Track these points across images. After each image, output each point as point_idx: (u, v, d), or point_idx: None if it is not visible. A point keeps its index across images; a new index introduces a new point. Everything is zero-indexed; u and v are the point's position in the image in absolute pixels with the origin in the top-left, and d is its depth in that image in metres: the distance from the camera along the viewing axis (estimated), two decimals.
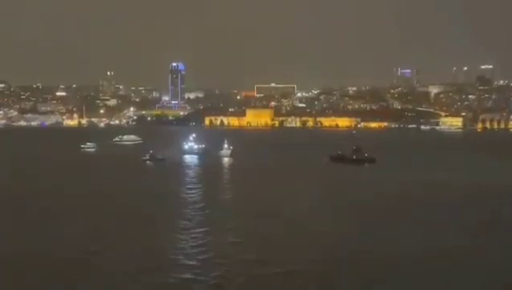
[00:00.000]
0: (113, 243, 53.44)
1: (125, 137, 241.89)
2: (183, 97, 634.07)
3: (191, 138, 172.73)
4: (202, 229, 60.38)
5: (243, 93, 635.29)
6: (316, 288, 41.23)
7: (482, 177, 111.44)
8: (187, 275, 43.87)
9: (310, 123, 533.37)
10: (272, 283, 42.30)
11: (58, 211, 72.12)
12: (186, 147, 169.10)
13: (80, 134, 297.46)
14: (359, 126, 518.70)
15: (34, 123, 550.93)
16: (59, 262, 47.06)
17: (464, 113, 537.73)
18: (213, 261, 47.69)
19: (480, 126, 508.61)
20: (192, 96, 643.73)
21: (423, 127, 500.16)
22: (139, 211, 71.78)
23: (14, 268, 45.36)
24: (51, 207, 75.11)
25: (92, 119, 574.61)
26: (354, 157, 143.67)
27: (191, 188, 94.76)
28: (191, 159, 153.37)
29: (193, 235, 57.39)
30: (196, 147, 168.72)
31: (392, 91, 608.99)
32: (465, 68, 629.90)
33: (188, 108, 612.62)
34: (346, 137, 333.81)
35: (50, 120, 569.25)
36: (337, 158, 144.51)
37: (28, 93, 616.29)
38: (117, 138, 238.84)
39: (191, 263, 47.30)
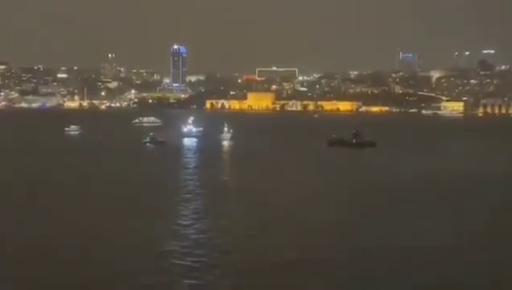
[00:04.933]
0: (109, 233, 52.62)
1: (144, 119, 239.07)
2: (185, 80, 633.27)
3: (190, 121, 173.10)
4: (200, 216, 59.97)
5: (244, 77, 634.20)
6: (317, 280, 40.97)
7: (482, 164, 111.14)
8: (188, 264, 43.32)
9: (311, 107, 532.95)
10: (272, 274, 41.84)
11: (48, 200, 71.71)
12: (185, 129, 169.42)
13: (89, 116, 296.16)
14: (360, 110, 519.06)
15: (35, 105, 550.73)
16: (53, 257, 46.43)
17: (465, 98, 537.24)
18: (213, 249, 47.13)
19: (481, 110, 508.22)
20: (193, 79, 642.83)
21: (424, 112, 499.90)
22: (137, 198, 71.21)
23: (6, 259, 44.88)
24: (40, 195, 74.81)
25: (94, 101, 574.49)
26: (354, 141, 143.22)
27: (188, 173, 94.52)
28: (190, 142, 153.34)
29: (190, 222, 56.87)
30: (194, 130, 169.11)
31: (394, 75, 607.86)
32: (467, 53, 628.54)
33: (189, 91, 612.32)
34: (308, 120, 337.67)
35: (51, 102, 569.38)
36: (335, 142, 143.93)
37: (29, 75, 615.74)
38: (136, 120, 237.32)
39: (190, 251, 46.80)
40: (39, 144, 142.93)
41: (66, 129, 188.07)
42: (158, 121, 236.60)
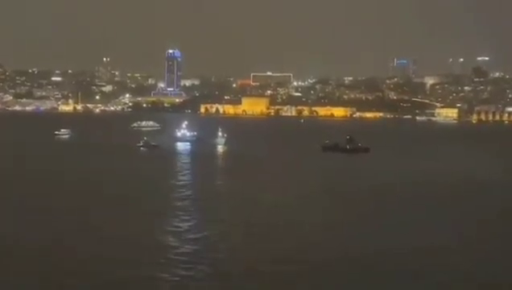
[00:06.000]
0: (104, 236, 52.42)
1: (143, 123, 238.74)
2: (179, 85, 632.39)
3: (183, 125, 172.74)
4: (193, 221, 59.73)
5: (239, 81, 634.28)
6: (308, 282, 41.01)
7: (474, 170, 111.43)
8: (182, 265, 43.36)
9: (305, 112, 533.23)
10: (265, 277, 41.77)
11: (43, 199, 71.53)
12: (179, 134, 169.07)
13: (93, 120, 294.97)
14: (354, 115, 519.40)
15: (29, 108, 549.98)
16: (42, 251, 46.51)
17: (459, 105, 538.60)
18: (205, 252, 47.14)
19: (475, 117, 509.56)
20: (187, 83, 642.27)
21: (418, 118, 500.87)
22: (130, 200, 71.08)
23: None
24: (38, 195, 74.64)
25: (88, 105, 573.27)
26: (348, 147, 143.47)
27: (181, 178, 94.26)
28: (184, 146, 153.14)
29: (183, 226, 56.68)
30: (188, 134, 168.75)
31: (388, 81, 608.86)
32: (461, 60, 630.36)
33: (184, 95, 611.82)
34: (295, 124, 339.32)
35: (45, 105, 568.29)
36: (329, 147, 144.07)
37: (24, 78, 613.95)
38: (135, 124, 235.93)
39: (183, 251, 46.86)
40: (28, 148, 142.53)
41: (56, 132, 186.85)
42: (157, 125, 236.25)
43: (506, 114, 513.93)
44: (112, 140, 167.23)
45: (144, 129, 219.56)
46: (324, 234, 54.86)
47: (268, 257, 45.83)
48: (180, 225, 56.75)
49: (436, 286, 40.53)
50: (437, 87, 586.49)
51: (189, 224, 57.26)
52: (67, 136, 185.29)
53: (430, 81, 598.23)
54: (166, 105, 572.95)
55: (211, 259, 44.88)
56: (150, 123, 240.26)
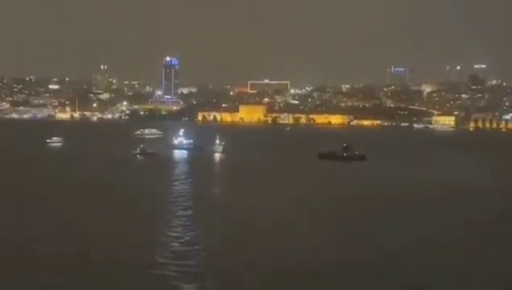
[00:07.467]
0: (101, 240, 52.26)
1: (146, 131, 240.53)
2: (177, 92, 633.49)
3: (180, 133, 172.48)
4: (189, 229, 59.46)
5: (236, 89, 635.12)
6: (309, 284, 41.07)
7: (469, 177, 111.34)
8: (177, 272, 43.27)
9: (303, 120, 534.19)
10: (266, 281, 41.74)
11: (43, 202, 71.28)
12: (176, 141, 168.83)
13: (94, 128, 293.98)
14: (352, 123, 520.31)
15: (26, 116, 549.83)
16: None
17: (456, 113, 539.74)
18: (201, 261, 46.90)
19: (472, 125, 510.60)
20: (185, 91, 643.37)
21: (415, 126, 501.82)
22: (127, 207, 70.84)
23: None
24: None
25: (85, 113, 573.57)
26: (344, 154, 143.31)
27: (177, 185, 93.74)
28: (180, 154, 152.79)
29: (181, 234, 56.45)
30: (185, 142, 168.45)
31: (385, 89, 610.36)
32: (458, 68, 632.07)
33: (181, 103, 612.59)
34: (281, 132, 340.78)
35: (42, 113, 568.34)
36: (325, 155, 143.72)
37: (21, 86, 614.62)
38: (138, 132, 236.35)
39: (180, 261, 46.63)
40: (13, 155, 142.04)
41: (48, 140, 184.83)
42: (159, 132, 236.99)
43: (503, 122, 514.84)
44: (106, 148, 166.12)
45: (147, 136, 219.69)
46: (323, 236, 55.07)
47: (268, 260, 45.95)
48: (178, 233, 56.34)
49: (437, 287, 40.94)
50: (434, 95, 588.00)
51: (187, 232, 56.79)
52: (59, 144, 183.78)
53: (427, 89, 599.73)
54: (163, 112, 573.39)
55: (211, 263, 44.88)
56: (153, 131, 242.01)
